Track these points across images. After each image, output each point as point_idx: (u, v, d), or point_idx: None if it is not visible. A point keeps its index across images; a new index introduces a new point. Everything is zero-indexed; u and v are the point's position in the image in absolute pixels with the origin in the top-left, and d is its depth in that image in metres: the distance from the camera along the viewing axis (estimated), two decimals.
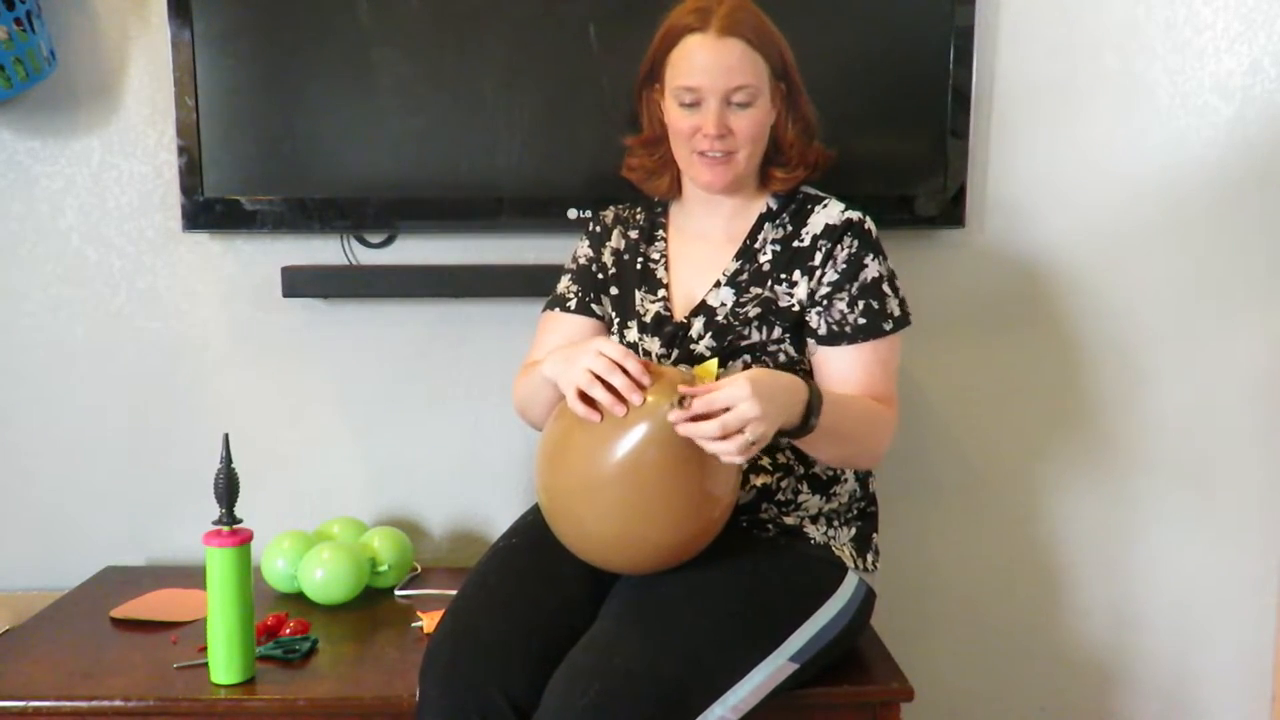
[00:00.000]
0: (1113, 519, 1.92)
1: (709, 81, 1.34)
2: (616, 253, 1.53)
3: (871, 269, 1.40)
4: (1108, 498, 1.91)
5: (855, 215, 1.42)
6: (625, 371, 1.20)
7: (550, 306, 1.54)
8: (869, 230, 1.42)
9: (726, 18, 1.34)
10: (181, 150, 1.74)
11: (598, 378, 1.20)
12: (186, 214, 1.76)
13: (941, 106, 1.76)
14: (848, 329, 1.38)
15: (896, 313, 1.41)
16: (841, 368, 1.38)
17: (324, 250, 1.82)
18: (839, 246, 1.40)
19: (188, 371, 1.87)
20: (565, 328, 1.51)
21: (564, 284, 1.54)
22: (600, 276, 1.53)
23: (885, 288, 1.40)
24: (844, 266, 1.39)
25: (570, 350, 1.28)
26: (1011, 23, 1.81)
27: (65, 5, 1.76)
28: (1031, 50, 1.81)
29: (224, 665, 1.38)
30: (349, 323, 1.86)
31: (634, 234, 1.53)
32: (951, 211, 1.79)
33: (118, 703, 1.36)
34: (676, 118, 1.39)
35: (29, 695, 1.37)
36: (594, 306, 1.52)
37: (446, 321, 1.86)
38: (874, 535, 1.47)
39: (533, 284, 1.73)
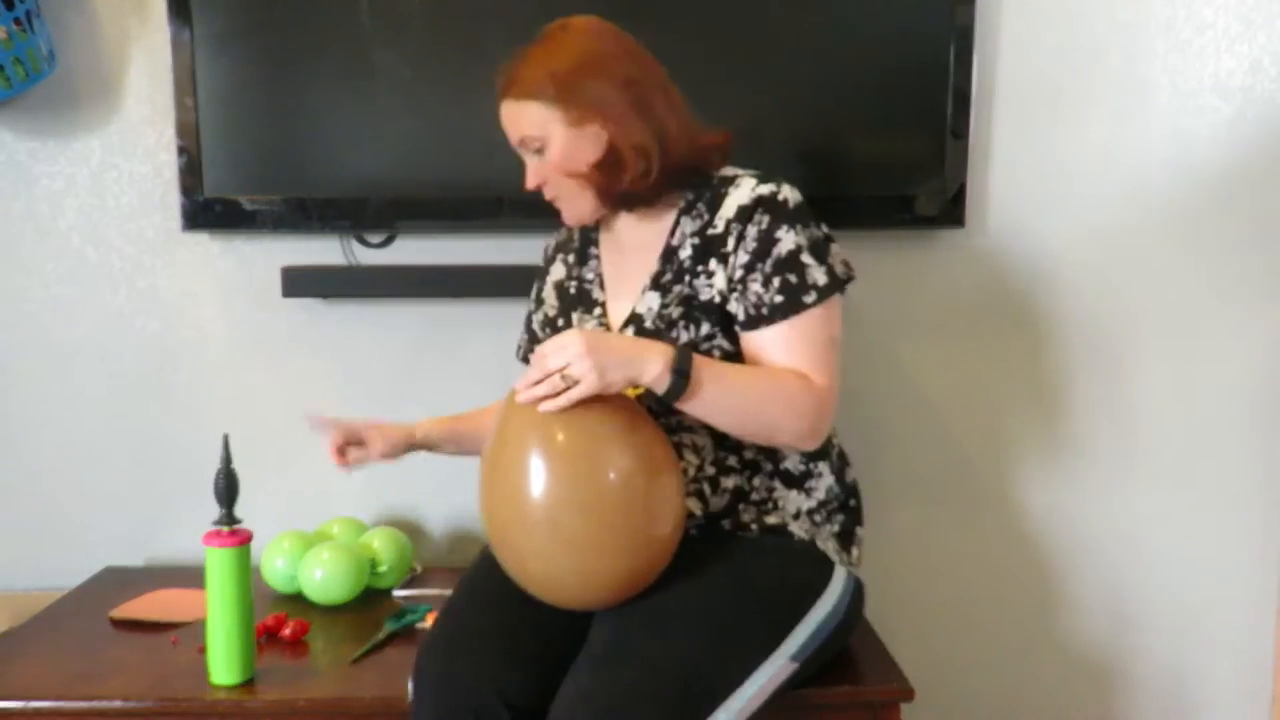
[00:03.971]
0: (1113, 518, 1.92)
1: (512, 142, 1.40)
2: (558, 285, 1.53)
3: (786, 242, 1.31)
4: (1108, 497, 1.91)
5: (767, 189, 1.34)
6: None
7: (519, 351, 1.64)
8: (783, 201, 1.33)
9: (503, 82, 1.37)
10: (181, 150, 1.74)
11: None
12: (186, 214, 1.76)
13: (941, 106, 1.76)
14: (764, 310, 1.31)
15: (821, 281, 1.31)
16: (764, 350, 1.32)
17: (324, 250, 1.82)
18: (749, 225, 1.33)
19: (188, 371, 1.87)
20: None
21: (521, 333, 1.63)
22: (540, 318, 1.54)
23: (804, 257, 1.31)
24: (754, 245, 1.32)
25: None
26: (1011, 23, 1.81)
27: (65, 5, 1.76)
28: (1032, 50, 1.81)
29: (224, 665, 1.38)
30: (349, 323, 1.86)
31: (571, 258, 1.53)
32: (951, 211, 1.79)
33: (117, 703, 1.36)
34: None
35: (29, 695, 1.37)
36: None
37: (446, 321, 1.86)
38: (857, 529, 1.44)
39: (532, 284, 1.72)
